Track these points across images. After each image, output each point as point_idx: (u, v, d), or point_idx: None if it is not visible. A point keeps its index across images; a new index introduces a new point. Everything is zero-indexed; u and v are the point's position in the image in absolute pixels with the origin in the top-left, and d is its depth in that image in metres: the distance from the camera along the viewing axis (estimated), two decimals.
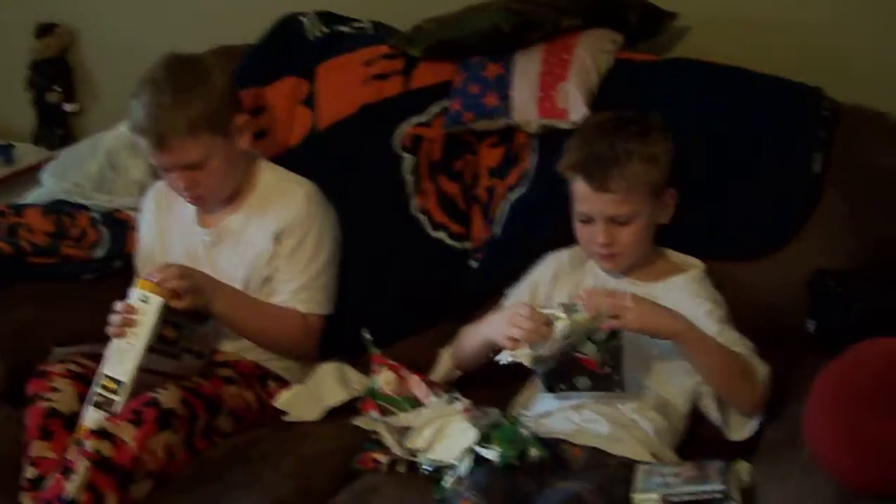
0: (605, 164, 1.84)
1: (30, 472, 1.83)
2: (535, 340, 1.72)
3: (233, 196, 2.13)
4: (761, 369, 1.81)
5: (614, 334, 1.75)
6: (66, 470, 1.73)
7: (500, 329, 1.78)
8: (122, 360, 1.84)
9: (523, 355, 1.73)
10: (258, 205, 2.11)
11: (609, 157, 1.84)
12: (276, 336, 2.08)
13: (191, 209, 2.14)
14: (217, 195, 2.10)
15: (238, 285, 2.08)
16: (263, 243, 2.08)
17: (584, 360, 1.77)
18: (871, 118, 2.09)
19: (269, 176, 2.15)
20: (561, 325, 1.72)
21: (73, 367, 1.96)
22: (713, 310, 1.88)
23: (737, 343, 1.83)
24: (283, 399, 2.01)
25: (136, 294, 1.87)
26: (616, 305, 1.72)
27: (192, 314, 1.94)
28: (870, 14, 2.30)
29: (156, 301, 1.85)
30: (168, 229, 2.19)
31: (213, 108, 2.00)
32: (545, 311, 1.75)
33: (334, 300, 2.14)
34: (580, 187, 1.88)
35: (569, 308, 1.74)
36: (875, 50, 2.30)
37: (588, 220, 1.90)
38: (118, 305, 1.87)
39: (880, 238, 1.99)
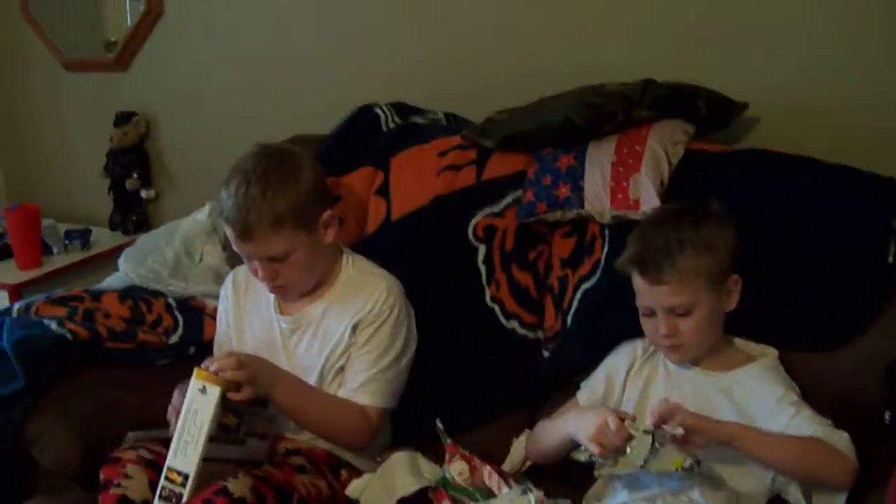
0: (656, 256, 1.85)
1: None
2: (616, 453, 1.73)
3: (315, 286, 2.14)
4: (841, 441, 1.78)
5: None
6: None
7: (586, 432, 1.77)
8: (185, 451, 1.84)
9: (604, 467, 1.74)
10: (339, 296, 2.12)
11: (661, 249, 1.85)
12: (334, 428, 2.08)
13: (271, 295, 2.16)
14: (298, 287, 2.12)
15: (314, 375, 2.09)
16: (341, 334, 2.09)
17: None
18: None
19: (353, 268, 2.17)
20: (637, 453, 1.71)
21: (145, 453, 1.96)
22: (786, 394, 1.86)
23: (811, 422, 1.80)
24: (354, 487, 2.00)
25: (194, 385, 1.87)
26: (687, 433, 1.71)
27: (253, 400, 1.94)
28: None
29: (214, 392, 1.85)
30: (246, 315, 2.21)
31: (301, 204, 2.01)
32: (631, 429, 1.74)
33: (399, 395, 2.14)
34: (637, 281, 1.90)
35: (653, 436, 1.72)
36: None
37: (650, 314, 1.90)
38: (176, 398, 1.89)
39: None
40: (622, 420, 1.75)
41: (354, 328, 2.08)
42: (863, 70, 2.34)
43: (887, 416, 1.89)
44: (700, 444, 1.71)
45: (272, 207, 1.98)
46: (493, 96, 2.47)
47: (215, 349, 2.25)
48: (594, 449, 1.74)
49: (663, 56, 2.47)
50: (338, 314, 2.11)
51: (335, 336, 2.10)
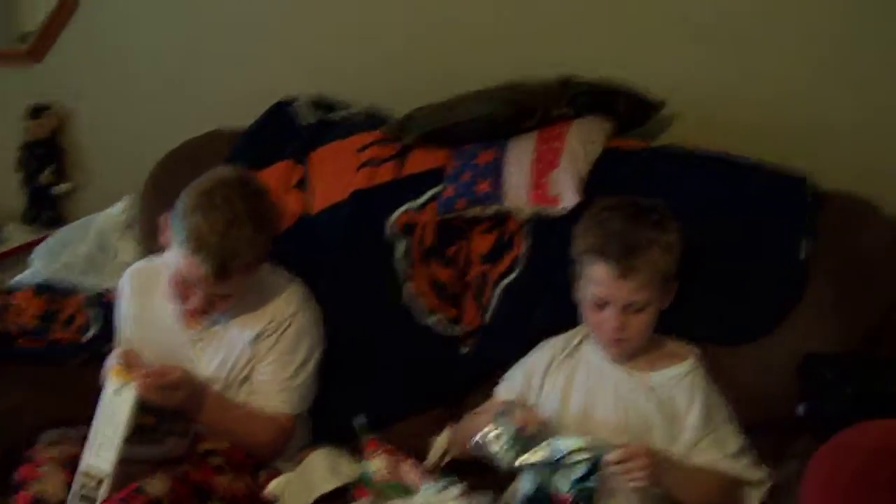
0: (627, 250, 1.85)
1: None
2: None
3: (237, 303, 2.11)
4: (744, 471, 1.87)
5: (591, 474, 1.72)
6: None
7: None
8: (101, 452, 1.82)
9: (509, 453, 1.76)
10: (241, 307, 2.09)
11: (631, 244, 1.85)
12: (251, 439, 2.06)
13: (170, 306, 2.10)
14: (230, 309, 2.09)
15: (218, 386, 2.07)
16: (244, 344, 2.08)
17: (560, 497, 1.74)
18: (854, 203, 2.13)
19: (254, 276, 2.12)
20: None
21: (60, 453, 1.93)
22: (702, 411, 1.90)
23: (719, 446, 1.87)
24: (273, 487, 1.98)
25: (110, 385, 1.85)
26: (639, 468, 1.72)
27: None
28: (849, 84, 2.35)
29: (130, 393, 1.83)
30: (147, 317, 2.15)
31: (270, 241, 2.03)
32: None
33: (312, 396, 2.13)
34: (599, 271, 1.87)
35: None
36: (856, 122, 2.35)
37: (601, 306, 1.90)
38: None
39: (866, 321, 2.02)
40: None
41: (256, 339, 2.07)
42: (775, 68, 2.40)
43: (801, 408, 1.94)
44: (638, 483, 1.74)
45: (257, 250, 1.98)
46: (415, 93, 2.46)
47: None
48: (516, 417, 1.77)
49: (583, 54, 2.48)
50: (240, 326, 2.09)
51: (237, 348, 2.08)
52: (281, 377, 2.08)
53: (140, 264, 2.23)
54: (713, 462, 1.87)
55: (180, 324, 2.11)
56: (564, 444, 1.73)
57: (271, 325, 2.08)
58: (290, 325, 2.09)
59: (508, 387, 2.04)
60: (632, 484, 1.73)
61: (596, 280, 1.89)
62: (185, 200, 1.98)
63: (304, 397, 2.11)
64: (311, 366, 2.12)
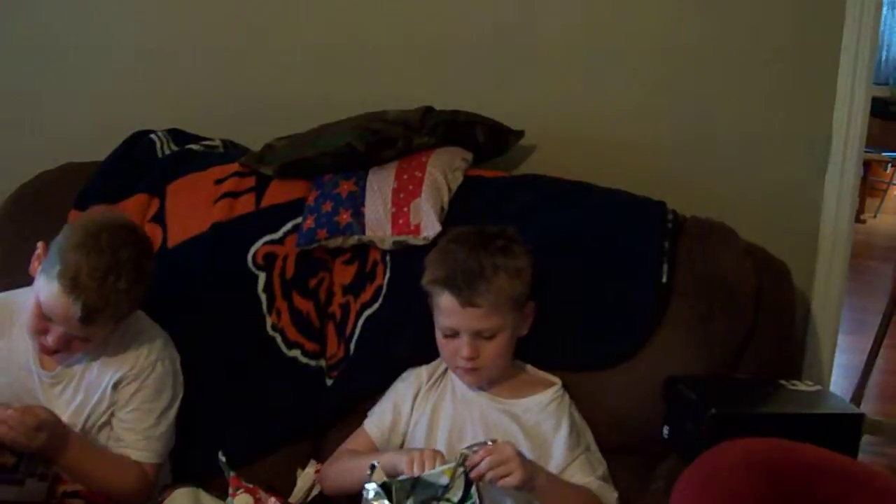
0: (471, 278, 1.86)
1: None
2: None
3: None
4: (609, 497, 1.88)
5: (469, 487, 1.70)
6: None
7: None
8: None
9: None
10: (100, 351, 2.02)
11: (475, 272, 1.86)
12: (113, 487, 1.99)
13: (29, 342, 2.02)
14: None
15: (76, 428, 1.99)
16: (102, 391, 2.01)
17: None
18: (712, 228, 2.18)
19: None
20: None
21: None
22: (569, 435, 1.92)
23: (588, 468, 1.89)
24: None
25: None
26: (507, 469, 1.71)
27: None
28: (708, 136, 2.45)
29: None
30: (2, 353, 2.04)
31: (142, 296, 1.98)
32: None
33: (172, 442, 2.07)
34: (446, 301, 1.89)
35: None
36: (713, 168, 2.44)
37: (453, 335, 1.90)
38: None
39: (725, 343, 2.06)
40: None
41: (116, 385, 2.01)
42: (630, 96, 2.48)
43: (665, 430, 1.96)
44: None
45: (131, 301, 1.94)
46: (273, 124, 2.44)
47: None
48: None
49: (442, 85, 2.51)
50: (99, 370, 2.02)
51: (97, 393, 2.01)
52: (143, 426, 2.02)
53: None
54: (583, 484, 1.88)
55: (37, 362, 2.03)
56: (432, 475, 1.70)
57: (132, 372, 2.01)
58: (151, 373, 2.03)
59: (378, 418, 2.02)
60: (503, 482, 1.70)
61: (444, 310, 1.90)
62: (68, 235, 1.92)
63: (165, 445, 2.06)
64: (171, 413, 2.06)
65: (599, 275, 2.09)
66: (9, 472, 1.82)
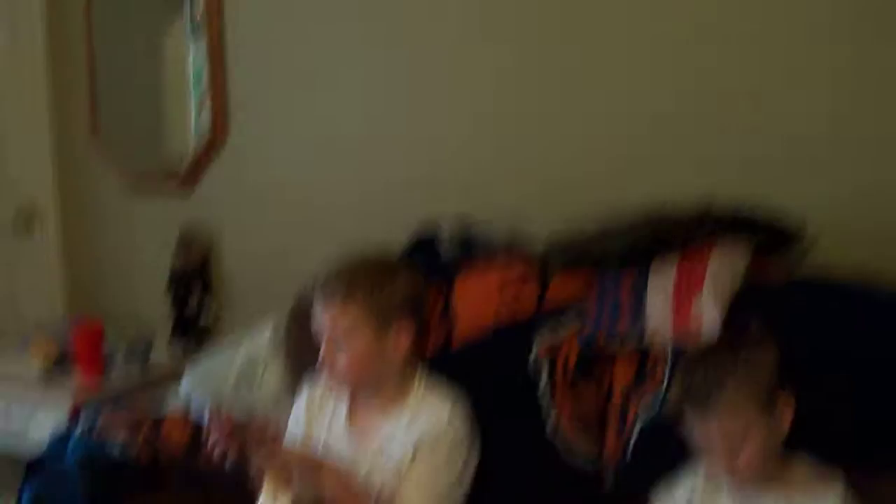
0: (703, 393, 1.85)
1: None
2: None
3: (385, 403, 2.13)
4: None
5: None
6: None
7: None
8: None
9: None
10: (407, 416, 2.10)
11: (705, 385, 1.85)
12: None
13: (344, 409, 2.15)
14: (354, 381, 2.12)
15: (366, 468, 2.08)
16: (402, 455, 2.06)
17: None
18: None
19: (423, 387, 2.15)
20: None
21: None
22: None
23: None
24: None
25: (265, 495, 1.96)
26: None
27: None
28: None
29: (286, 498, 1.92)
30: (315, 423, 2.19)
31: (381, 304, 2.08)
32: None
33: None
34: (690, 417, 1.89)
35: None
36: None
37: (709, 447, 1.88)
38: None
39: None
40: None
41: (414, 449, 2.06)
42: None
43: None
44: None
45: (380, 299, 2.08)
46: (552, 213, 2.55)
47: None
48: None
49: (724, 181, 2.50)
50: (403, 435, 2.08)
51: (396, 457, 2.07)
52: (427, 492, 2.04)
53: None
54: None
55: (345, 426, 2.15)
56: None
57: (428, 437, 2.06)
58: (445, 441, 2.07)
59: None
60: None
61: (693, 424, 1.89)
62: None
63: None
64: (458, 489, 2.08)
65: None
66: None
